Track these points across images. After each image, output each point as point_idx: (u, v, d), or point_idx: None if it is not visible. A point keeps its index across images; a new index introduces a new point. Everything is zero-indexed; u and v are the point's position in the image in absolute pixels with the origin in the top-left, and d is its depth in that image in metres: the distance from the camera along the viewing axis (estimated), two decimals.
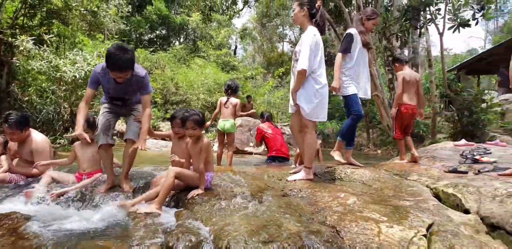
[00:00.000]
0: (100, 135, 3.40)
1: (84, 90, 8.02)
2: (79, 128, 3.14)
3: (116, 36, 15.89)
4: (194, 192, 3.01)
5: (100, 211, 2.98)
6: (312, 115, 3.50)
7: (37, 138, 3.87)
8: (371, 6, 12.43)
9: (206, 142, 3.13)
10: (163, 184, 2.92)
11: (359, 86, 4.19)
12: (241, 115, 5.63)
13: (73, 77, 7.46)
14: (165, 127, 12.73)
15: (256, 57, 30.75)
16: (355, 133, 4.46)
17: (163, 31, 23.48)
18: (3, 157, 3.83)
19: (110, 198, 3.19)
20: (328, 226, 2.29)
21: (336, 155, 4.35)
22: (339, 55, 4.12)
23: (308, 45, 3.39)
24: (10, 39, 8.38)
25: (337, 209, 2.55)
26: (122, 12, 14.52)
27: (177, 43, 24.07)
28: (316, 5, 3.53)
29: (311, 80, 3.48)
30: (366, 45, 4.21)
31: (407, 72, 4.68)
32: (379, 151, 10.79)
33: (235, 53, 27.26)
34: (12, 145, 3.94)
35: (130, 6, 15.60)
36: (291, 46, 29.35)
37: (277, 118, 17.92)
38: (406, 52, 12.75)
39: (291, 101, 3.73)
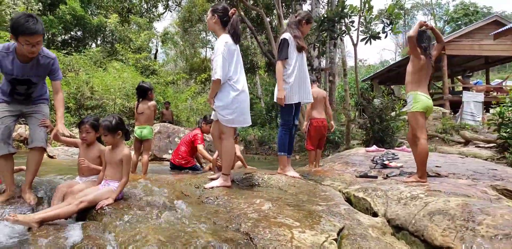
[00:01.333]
0: (0, 144, 3.04)
1: None
2: None
3: None
4: (103, 202, 2.83)
5: None
6: (229, 121, 3.51)
7: None
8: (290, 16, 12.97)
9: (128, 153, 3.02)
10: (65, 209, 2.73)
11: (302, 92, 4.10)
12: None
13: None
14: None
15: (178, 62, 30.25)
16: (293, 140, 4.37)
17: (78, 33, 22.01)
18: None
19: (9, 210, 2.86)
20: (242, 233, 2.29)
21: (289, 172, 4.08)
22: (278, 63, 4.02)
23: (220, 53, 3.41)
24: None
25: (252, 216, 2.56)
26: (32, 10, 13.30)
27: (93, 45, 22.71)
28: (229, 13, 3.56)
29: (228, 87, 3.49)
30: (301, 49, 4.08)
31: (314, 90, 4.98)
32: (297, 157, 11.19)
33: (155, 58, 26.47)
34: None
35: (40, 4, 14.33)
36: (213, 52, 29.40)
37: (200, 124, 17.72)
38: (323, 61, 13.51)
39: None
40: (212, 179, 3.75)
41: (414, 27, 3.48)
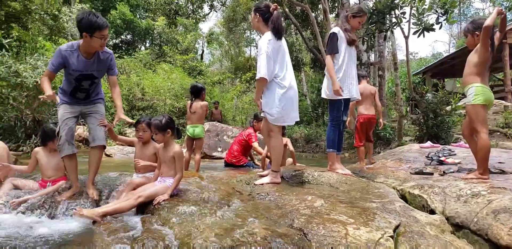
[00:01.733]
0: (65, 145, 3.29)
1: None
2: (48, 91, 3.04)
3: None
4: (160, 198, 2.96)
5: (65, 218, 2.91)
6: (277, 120, 3.53)
7: None
8: (338, 10, 12.73)
9: (178, 150, 3.14)
10: (126, 203, 2.91)
11: (351, 87, 4.02)
12: None
13: (34, 83, 7.16)
14: (132, 133, 12.45)
15: (223, 62, 30.76)
16: (342, 137, 4.29)
17: (128, 36, 23.06)
18: None
19: (75, 205, 3.10)
20: (295, 229, 2.30)
21: (339, 169, 4.01)
22: (328, 58, 3.98)
23: (264, 51, 3.41)
24: None
25: (304, 212, 2.56)
26: None
27: (142, 48, 23.68)
28: (271, 9, 3.56)
29: (274, 85, 3.49)
30: (351, 42, 4.00)
31: (361, 86, 4.97)
32: (346, 154, 11.00)
33: (202, 58, 27.12)
34: None
35: (94, 10, 15.12)
36: (258, 51, 29.52)
37: (245, 124, 17.94)
38: (372, 56, 13.12)
39: None
40: (262, 176, 3.79)
41: (491, 16, 3.26)
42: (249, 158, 5.94)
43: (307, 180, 3.80)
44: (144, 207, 3.02)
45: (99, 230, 2.55)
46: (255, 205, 2.91)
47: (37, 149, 3.65)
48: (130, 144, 3.98)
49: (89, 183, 3.34)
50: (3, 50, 7.74)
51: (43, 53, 9.04)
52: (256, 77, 3.49)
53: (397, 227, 2.33)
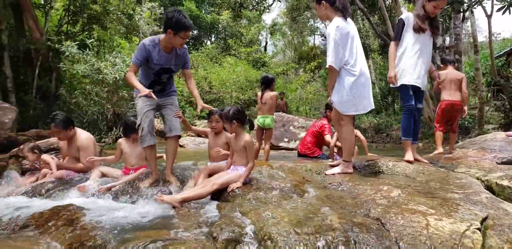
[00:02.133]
0: (147, 136, 3.50)
1: (125, 91, 8.44)
2: (143, 88, 3.23)
3: None
4: (233, 186, 3.06)
5: (147, 203, 3.12)
6: (348, 109, 3.44)
7: (82, 135, 4.07)
8: None
9: (249, 140, 3.21)
10: (203, 190, 3.05)
11: (418, 75, 3.84)
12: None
13: (114, 79, 7.78)
14: (201, 125, 12.97)
15: (286, 52, 30.56)
16: (418, 126, 4.16)
17: (195, 31, 23.84)
18: (45, 156, 4.14)
19: (156, 191, 3.30)
20: (372, 219, 2.25)
21: (408, 156, 3.88)
22: (390, 45, 3.96)
23: (331, 39, 3.29)
24: (56, 45, 8.91)
25: (380, 202, 2.50)
26: (155, 14, 14.86)
27: (208, 42, 24.37)
28: None
29: (344, 72, 3.38)
30: (418, 30, 3.79)
31: (445, 72, 4.92)
32: (420, 144, 10.43)
33: (265, 50, 27.22)
34: (62, 144, 4.16)
35: (162, 8, 15.94)
36: (322, 39, 28.91)
37: (309, 114, 17.76)
38: (447, 39, 12.18)
39: None
40: (332, 166, 3.74)
41: None
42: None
43: (381, 170, 3.68)
44: (218, 194, 3.14)
45: (178, 214, 2.70)
46: (327, 194, 2.89)
47: (120, 140, 3.96)
48: (203, 134, 4.15)
49: (168, 171, 3.55)
50: (87, 49, 8.45)
51: (120, 51, 9.72)
52: (326, 66, 3.42)
53: (484, 219, 2.18)
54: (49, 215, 2.68)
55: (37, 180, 3.97)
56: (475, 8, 8.59)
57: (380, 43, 18.45)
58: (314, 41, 31.70)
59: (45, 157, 4.14)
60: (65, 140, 4.07)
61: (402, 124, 4.00)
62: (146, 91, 3.15)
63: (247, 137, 3.25)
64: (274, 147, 7.62)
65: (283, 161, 4.68)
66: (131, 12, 10.06)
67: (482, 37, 22.73)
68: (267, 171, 3.66)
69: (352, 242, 2.00)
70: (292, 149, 7.39)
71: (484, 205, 2.41)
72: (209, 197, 3.15)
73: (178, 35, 3.22)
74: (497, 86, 8.49)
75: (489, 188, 3.05)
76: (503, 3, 7.89)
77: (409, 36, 3.83)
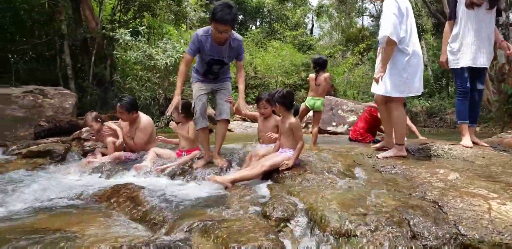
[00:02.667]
0: (199, 119, 3.62)
1: (175, 77, 8.70)
2: (177, 94, 3.49)
3: (197, 25, 16.57)
4: (286, 162, 3.10)
5: (200, 183, 3.25)
6: (400, 91, 3.30)
7: (143, 119, 4.33)
8: None
9: (294, 121, 3.21)
10: (253, 171, 3.12)
11: (474, 55, 3.55)
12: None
13: (165, 65, 8.05)
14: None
15: (333, 34, 29.73)
16: (478, 108, 3.92)
17: (240, 16, 23.80)
18: (108, 123, 4.43)
19: (207, 172, 3.43)
20: (428, 201, 2.20)
21: (465, 141, 3.64)
22: (446, 25, 3.74)
23: (390, 11, 3.11)
24: (110, 33, 9.35)
25: (437, 185, 2.43)
26: (201, 0, 14.98)
27: (253, 27, 24.26)
28: None
29: (397, 51, 3.22)
30: (469, 5, 3.50)
31: None
32: (477, 129, 9.87)
33: (311, 33, 26.65)
34: (124, 125, 4.39)
35: None
36: (372, 20, 27.78)
37: (357, 98, 17.30)
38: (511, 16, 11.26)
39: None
40: (378, 148, 3.70)
41: None
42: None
43: (436, 154, 3.55)
44: (268, 175, 3.19)
45: (230, 194, 2.78)
46: (380, 177, 2.85)
47: (171, 122, 4.13)
48: (253, 118, 4.21)
49: (216, 153, 3.65)
50: (139, 36, 8.76)
51: (169, 37, 9.97)
52: (380, 37, 3.22)
53: None
54: (111, 192, 2.89)
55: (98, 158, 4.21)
56: None
57: (434, 23, 17.41)
58: (362, 22, 30.52)
59: (109, 124, 4.40)
60: (127, 121, 4.30)
61: (456, 107, 3.79)
62: (176, 99, 3.46)
63: (292, 119, 3.24)
64: (321, 131, 7.51)
65: (332, 145, 4.64)
66: None
67: None
68: (317, 154, 3.64)
69: (407, 223, 1.97)
70: (340, 133, 7.28)
71: None
72: (259, 178, 3.21)
73: (212, 25, 3.24)
74: None
75: None
76: None
77: (462, 13, 3.56)
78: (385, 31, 3.12)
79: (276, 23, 21.37)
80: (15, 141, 5.90)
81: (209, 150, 3.69)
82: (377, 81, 3.29)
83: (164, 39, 8.90)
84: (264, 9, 22.76)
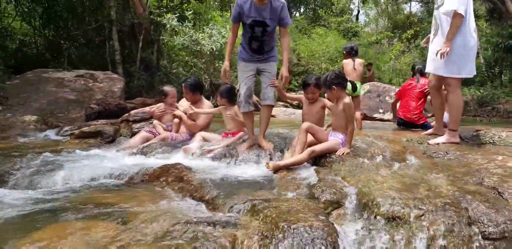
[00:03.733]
0: (243, 102, 3.62)
1: (221, 62, 8.79)
2: (226, 60, 3.65)
3: None
4: (342, 150, 3.07)
5: (246, 165, 3.30)
6: (458, 70, 3.17)
7: (205, 103, 4.45)
8: None
9: (347, 101, 3.14)
10: (297, 157, 3.08)
11: None
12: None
13: (211, 50, 8.14)
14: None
15: (379, 21, 28.64)
16: None
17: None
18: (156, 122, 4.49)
19: (252, 154, 3.46)
20: (487, 188, 2.11)
21: None
22: None
23: None
24: (158, 19, 9.55)
25: (495, 171, 2.32)
26: None
27: (297, 14, 23.85)
28: None
29: (458, 31, 3.10)
30: None
31: None
32: None
33: (357, 19, 25.82)
34: (183, 106, 4.48)
35: None
36: (420, 6, 26.45)
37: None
38: None
39: (429, 59, 3.42)
40: (428, 134, 3.60)
41: None
42: None
43: (491, 141, 3.37)
44: (316, 160, 3.18)
45: (277, 176, 2.79)
46: (433, 162, 2.76)
47: (220, 107, 4.18)
48: (297, 101, 4.17)
49: (261, 136, 3.64)
50: (186, 22, 8.87)
51: (214, 23, 10.02)
52: (447, 9, 3.08)
53: None
54: (160, 172, 2.98)
55: (146, 141, 4.35)
56: None
57: (488, 7, 16.25)
58: (410, 8, 29.14)
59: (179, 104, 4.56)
60: (189, 102, 4.42)
61: None
62: (223, 67, 3.57)
63: (347, 99, 3.17)
64: (368, 118, 7.37)
65: (380, 131, 4.52)
66: None
67: None
68: (365, 139, 3.57)
69: (464, 209, 1.90)
70: (387, 120, 7.07)
71: None
72: (307, 163, 3.20)
73: None
74: None
75: None
76: None
77: None
78: (452, 5, 3.01)
79: (320, 10, 20.88)
80: (68, 122, 6.25)
81: (253, 133, 3.71)
82: (442, 56, 3.12)
83: (210, 24, 8.96)
84: None
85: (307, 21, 20.76)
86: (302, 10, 24.29)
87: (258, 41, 3.56)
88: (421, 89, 4.79)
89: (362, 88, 7.76)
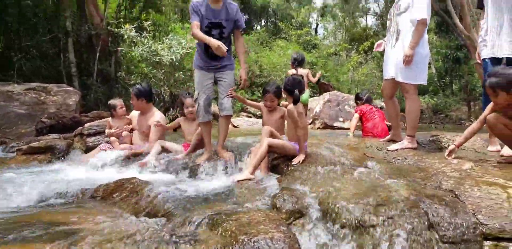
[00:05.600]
0: (201, 112, 3.52)
1: (180, 73, 8.67)
2: (213, 40, 3.19)
3: None
4: (299, 158, 3.02)
5: (205, 178, 3.19)
6: (416, 77, 3.26)
7: (157, 114, 4.25)
8: None
9: (290, 107, 3.10)
10: (258, 152, 2.99)
11: (492, 44, 3.20)
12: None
13: (170, 60, 8.00)
14: (252, 109, 13.04)
15: (337, 34, 29.67)
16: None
17: (245, 16, 23.75)
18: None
19: (212, 165, 3.35)
20: (444, 191, 2.14)
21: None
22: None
23: None
24: (115, 29, 9.32)
25: (452, 174, 2.36)
26: None
27: (258, 27, 24.20)
28: None
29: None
30: None
31: None
32: None
33: (316, 32, 26.59)
34: (134, 117, 4.36)
35: None
36: (375, 19, 27.68)
37: None
38: None
39: (386, 66, 3.51)
40: (387, 141, 3.64)
41: None
42: None
43: (447, 146, 3.43)
44: (276, 168, 3.13)
45: (238, 188, 2.70)
46: (392, 167, 2.78)
47: (179, 118, 4.08)
48: (257, 108, 4.12)
49: (220, 147, 3.54)
50: (145, 32, 8.71)
51: (174, 35, 9.89)
52: (416, 18, 3.14)
53: None
54: (114, 187, 2.82)
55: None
56: None
57: (437, 21, 17.23)
58: (366, 22, 30.47)
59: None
60: (137, 110, 4.28)
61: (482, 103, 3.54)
62: (217, 42, 3.13)
63: (290, 105, 3.13)
64: (328, 127, 7.46)
65: (341, 138, 4.55)
66: None
67: None
68: (326, 146, 3.58)
69: (423, 213, 1.90)
70: (347, 129, 7.19)
71: None
72: (267, 171, 3.13)
73: None
74: None
75: None
76: None
77: (486, 2, 3.27)
78: (421, 14, 3.10)
79: (281, 23, 21.30)
80: (16, 138, 5.88)
81: (211, 144, 3.60)
82: (409, 61, 3.17)
83: (170, 35, 8.85)
84: (269, 8, 22.70)
85: (268, 34, 21.10)
86: (263, 23, 24.71)
87: (214, 58, 3.47)
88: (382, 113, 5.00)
89: (322, 98, 7.90)
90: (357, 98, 5.38)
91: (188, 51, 8.23)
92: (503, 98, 2.50)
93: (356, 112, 5.03)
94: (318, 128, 7.38)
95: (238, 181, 2.83)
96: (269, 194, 2.48)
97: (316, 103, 7.71)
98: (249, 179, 2.85)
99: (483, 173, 2.32)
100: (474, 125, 2.79)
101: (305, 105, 4.93)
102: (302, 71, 5.12)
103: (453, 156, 2.79)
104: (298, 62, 5.18)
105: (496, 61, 3.16)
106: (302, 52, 17.26)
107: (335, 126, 7.31)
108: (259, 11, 22.79)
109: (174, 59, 8.10)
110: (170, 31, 10.52)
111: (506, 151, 2.85)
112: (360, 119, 4.99)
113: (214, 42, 3.15)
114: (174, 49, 8.17)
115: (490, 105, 2.71)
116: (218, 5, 3.37)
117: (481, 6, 3.40)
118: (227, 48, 3.21)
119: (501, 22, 3.13)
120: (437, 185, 2.25)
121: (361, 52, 20.38)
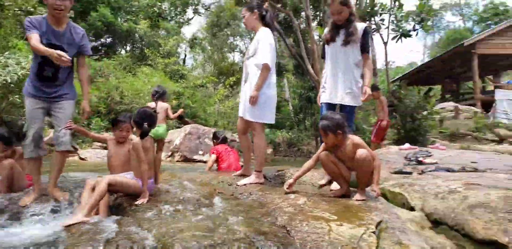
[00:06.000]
0: (29, 147, 3.06)
1: (16, 96, 7.47)
2: (52, 50, 2.77)
3: None
4: (141, 200, 2.86)
5: (30, 224, 2.74)
6: (262, 116, 3.48)
7: None
8: (319, 18, 12.82)
9: (135, 140, 3.00)
10: (96, 191, 2.72)
11: (330, 91, 3.54)
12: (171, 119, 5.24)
13: (4, 82, 6.84)
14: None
15: (206, 67, 30.62)
16: None
17: (109, 39, 22.62)
18: None
19: (42, 208, 2.92)
20: (278, 227, 2.24)
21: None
22: None
23: (268, 43, 3.39)
24: None
25: (288, 210, 2.51)
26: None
27: (123, 51, 23.28)
28: (264, 6, 3.56)
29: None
30: (326, 40, 3.52)
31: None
32: None
33: (184, 62, 26.92)
34: None
35: (72, 11, 14.76)
36: (241, 56, 29.61)
37: (228, 129, 17.80)
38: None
39: (240, 104, 3.70)
40: (239, 176, 3.79)
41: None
42: None
43: None
44: (118, 207, 2.92)
45: (69, 234, 2.36)
46: (237, 204, 2.84)
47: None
48: (102, 141, 3.80)
49: (51, 186, 3.11)
50: None
51: (15, 52, 8.68)
52: (260, 62, 3.38)
53: (379, 223, 2.29)
54: None
55: None
56: (374, 34, 9.63)
57: (294, 64, 19.38)
58: (234, 58, 32.30)
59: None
60: None
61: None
62: (56, 51, 2.73)
63: (134, 139, 3.02)
64: (188, 160, 7.41)
65: (196, 173, 4.53)
66: (32, 9, 9.00)
67: (380, 64, 25.18)
68: (178, 183, 3.52)
69: None
70: (206, 162, 7.25)
71: (379, 210, 2.54)
72: (107, 212, 2.85)
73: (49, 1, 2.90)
74: (392, 107, 9.41)
75: (383, 195, 3.27)
76: (396, 33, 9.01)
77: (326, 51, 3.59)
78: (265, 58, 3.35)
79: (147, 49, 20.92)
80: None
81: (40, 182, 3.12)
82: (254, 102, 3.38)
83: (7, 53, 7.68)
84: (136, 34, 22.13)
85: (133, 60, 20.44)
86: (128, 48, 23.90)
87: (53, 66, 3.06)
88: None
89: (183, 130, 7.87)
90: (214, 137, 5.63)
91: (28, 72, 7.24)
92: (331, 139, 2.84)
93: (212, 153, 5.20)
94: (178, 161, 7.27)
95: (68, 225, 2.48)
96: (104, 237, 2.22)
97: (177, 136, 7.63)
98: (84, 222, 2.54)
99: (314, 208, 2.52)
100: (310, 161, 3.08)
101: (161, 140, 4.79)
102: (162, 105, 4.94)
103: (292, 189, 3.00)
104: (159, 95, 5.02)
105: (331, 106, 3.55)
106: (169, 82, 17.23)
107: (195, 159, 7.31)
108: (125, 35, 21.98)
109: (9, 80, 6.99)
110: (11, 48, 9.16)
111: (334, 185, 3.21)
112: (216, 159, 5.17)
113: (52, 51, 2.75)
114: (10, 69, 7.07)
115: (323, 145, 3.04)
116: (61, 27, 3.06)
117: (323, 56, 3.72)
118: (70, 58, 2.82)
119: (338, 73, 3.50)
120: (273, 221, 2.34)
121: (227, 86, 21.29)
